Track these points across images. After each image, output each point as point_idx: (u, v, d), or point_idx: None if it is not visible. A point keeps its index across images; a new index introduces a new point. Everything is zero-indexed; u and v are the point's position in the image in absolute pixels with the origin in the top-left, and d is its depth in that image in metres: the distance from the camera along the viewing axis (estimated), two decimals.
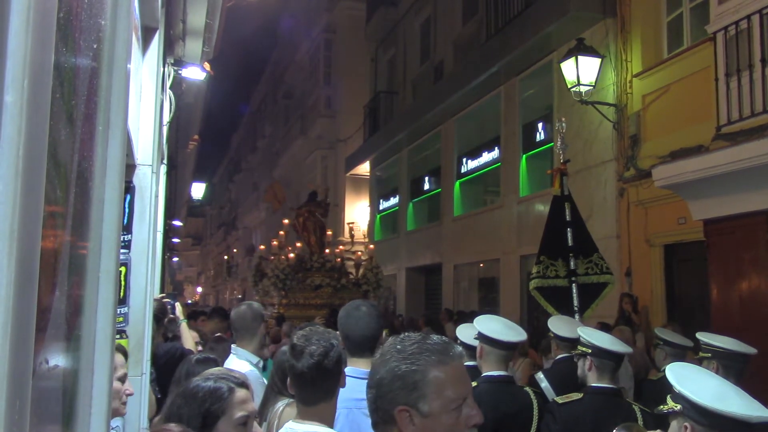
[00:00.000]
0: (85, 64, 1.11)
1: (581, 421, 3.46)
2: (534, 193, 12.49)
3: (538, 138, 12.63)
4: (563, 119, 7.31)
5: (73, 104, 0.99)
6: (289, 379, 2.59)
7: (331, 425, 2.54)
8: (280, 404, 3.44)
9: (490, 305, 14.31)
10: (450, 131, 16.23)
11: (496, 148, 14.11)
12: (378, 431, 1.77)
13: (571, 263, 6.38)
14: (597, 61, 9.69)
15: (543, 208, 12.00)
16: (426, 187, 18.05)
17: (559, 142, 6.99)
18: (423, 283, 18.47)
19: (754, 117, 7.12)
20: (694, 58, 8.48)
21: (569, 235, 6.46)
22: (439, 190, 16.89)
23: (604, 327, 8.64)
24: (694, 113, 8.35)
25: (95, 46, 1.19)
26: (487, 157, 14.71)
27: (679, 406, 2.30)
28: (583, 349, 3.84)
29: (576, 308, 6.20)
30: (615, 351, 3.74)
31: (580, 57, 9.59)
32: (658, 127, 9.16)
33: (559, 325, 5.13)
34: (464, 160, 15.69)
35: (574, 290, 6.27)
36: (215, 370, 2.55)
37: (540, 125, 12.56)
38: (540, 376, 4.85)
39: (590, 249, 6.59)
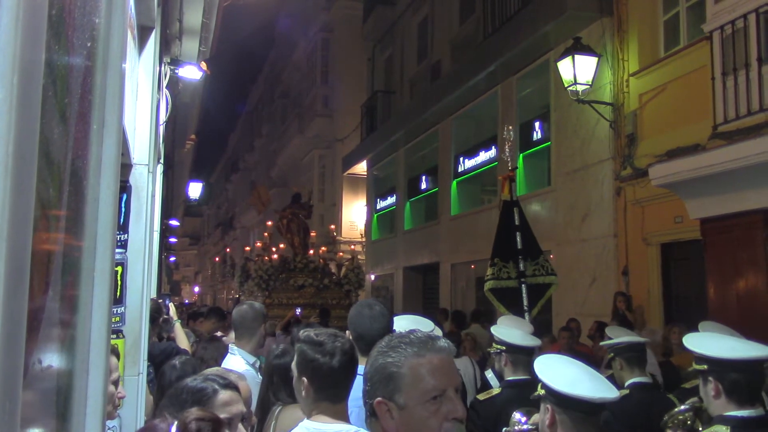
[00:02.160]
0: (78, 62, 1.11)
1: (501, 414, 3.64)
2: (531, 192, 12.49)
3: (535, 137, 12.63)
4: (510, 128, 7.62)
5: (67, 102, 0.98)
6: (308, 380, 2.52)
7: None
8: (278, 405, 3.44)
9: (487, 305, 14.29)
10: (447, 130, 16.23)
11: (493, 147, 14.11)
12: (367, 425, 1.78)
13: (521, 265, 6.81)
14: (594, 60, 9.69)
15: (539, 207, 12.02)
16: (423, 186, 18.04)
17: (506, 150, 7.37)
18: (420, 283, 18.46)
19: (750, 116, 7.12)
20: (691, 57, 8.49)
21: (518, 238, 6.88)
22: (437, 189, 16.88)
23: (601, 325, 8.68)
24: (690, 112, 8.36)
25: (89, 44, 1.18)
26: (484, 156, 14.70)
27: (543, 392, 2.68)
28: (498, 346, 4.14)
29: (526, 307, 6.63)
30: (525, 346, 4.09)
31: (576, 56, 9.58)
32: (655, 125, 9.17)
33: (507, 323, 5.26)
34: (461, 159, 15.67)
35: (524, 290, 6.71)
36: (211, 370, 2.55)
37: (537, 124, 12.56)
38: (489, 371, 5.11)
39: (536, 252, 7.00)
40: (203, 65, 7.38)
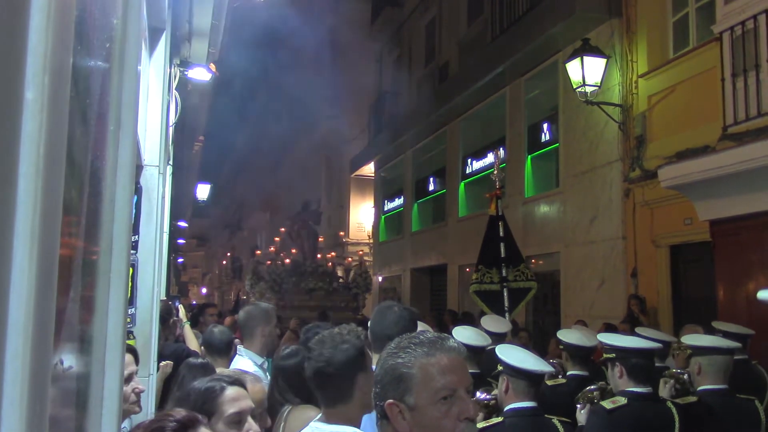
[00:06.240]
0: (98, 63, 1.11)
1: None
2: (539, 194, 12.47)
3: (543, 139, 12.61)
4: (500, 149, 8.70)
5: (87, 103, 0.98)
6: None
7: None
8: (288, 406, 3.44)
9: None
10: (455, 132, 16.21)
11: (501, 148, 14.06)
12: (379, 428, 1.78)
13: (503, 271, 7.81)
14: (602, 61, 9.66)
15: (548, 209, 12.00)
16: (431, 187, 18.02)
17: (495, 170, 8.40)
18: (428, 284, 18.44)
19: (760, 117, 7.09)
20: (700, 58, 8.45)
21: (502, 248, 7.94)
22: (444, 190, 16.86)
23: (610, 328, 8.65)
24: (700, 113, 8.32)
25: (108, 45, 1.18)
26: (492, 157, 14.64)
27: (501, 368, 3.53)
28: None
29: (506, 309, 7.62)
30: (475, 346, 4.75)
31: (585, 57, 9.56)
32: (664, 127, 9.13)
33: (489, 322, 6.19)
34: (469, 160, 15.65)
35: (505, 294, 7.71)
36: (224, 371, 2.56)
37: (545, 126, 12.53)
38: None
39: (518, 259, 8.06)
40: (212, 67, 7.38)
